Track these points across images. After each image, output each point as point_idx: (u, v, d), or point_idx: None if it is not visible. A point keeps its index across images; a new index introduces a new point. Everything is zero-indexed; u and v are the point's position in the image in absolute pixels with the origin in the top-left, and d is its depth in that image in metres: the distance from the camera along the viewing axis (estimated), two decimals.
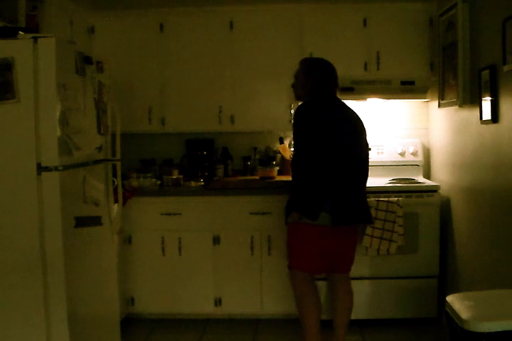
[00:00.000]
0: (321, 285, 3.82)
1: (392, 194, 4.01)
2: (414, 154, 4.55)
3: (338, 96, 3.50)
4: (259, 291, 4.12)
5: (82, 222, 2.95)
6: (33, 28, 3.12)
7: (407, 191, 4.05)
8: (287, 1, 4.26)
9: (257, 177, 4.43)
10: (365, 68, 4.31)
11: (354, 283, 4.03)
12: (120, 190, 3.57)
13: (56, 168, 2.74)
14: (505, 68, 2.94)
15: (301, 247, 3.36)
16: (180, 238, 4.13)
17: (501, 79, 3.05)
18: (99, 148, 3.27)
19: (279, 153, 4.64)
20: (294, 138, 3.38)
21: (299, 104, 3.43)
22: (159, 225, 4.14)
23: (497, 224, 3.20)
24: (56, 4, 3.64)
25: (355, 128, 3.41)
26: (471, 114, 3.50)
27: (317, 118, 3.28)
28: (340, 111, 3.40)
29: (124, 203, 3.93)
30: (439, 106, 4.11)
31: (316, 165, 3.24)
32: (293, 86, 3.59)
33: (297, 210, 3.29)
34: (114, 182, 3.55)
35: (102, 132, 3.31)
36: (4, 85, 2.69)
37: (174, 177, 4.36)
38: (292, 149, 3.41)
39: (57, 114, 2.74)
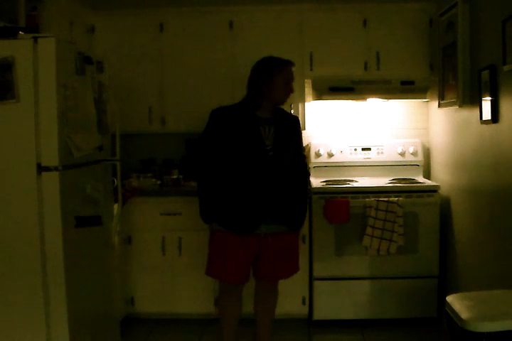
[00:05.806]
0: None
1: (392, 194, 4.01)
2: (414, 154, 4.55)
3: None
4: None
5: (82, 221, 2.95)
6: (33, 28, 3.11)
7: (407, 191, 4.05)
8: (287, 1, 4.26)
9: None
10: (365, 68, 4.31)
11: (354, 283, 4.06)
12: (120, 190, 3.56)
13: (56, 168, 2.74)
14: (505, 68, 2.94)
15: None
16: (180, 238, 4.13)
17: (501, 79, 3.05)
18: (99, 148, 3.27)
19: None
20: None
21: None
22: (159, 225, 4.14)
23: (497, 223, 3.20)
24: (56, 4, 3.63)
25: None
26: (471, 114, 3.50)
27: None
28: None
29: (124, 203, 3.93)
30: (439, 106, 4.11)
31: None
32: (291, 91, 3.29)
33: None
34: (114, 182, 3.55)
35: (102, 132, 3.30)
36: (4, 85, 2.69)
37: (174, 177, 4.36)
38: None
39: (57, 113, 2.74)
